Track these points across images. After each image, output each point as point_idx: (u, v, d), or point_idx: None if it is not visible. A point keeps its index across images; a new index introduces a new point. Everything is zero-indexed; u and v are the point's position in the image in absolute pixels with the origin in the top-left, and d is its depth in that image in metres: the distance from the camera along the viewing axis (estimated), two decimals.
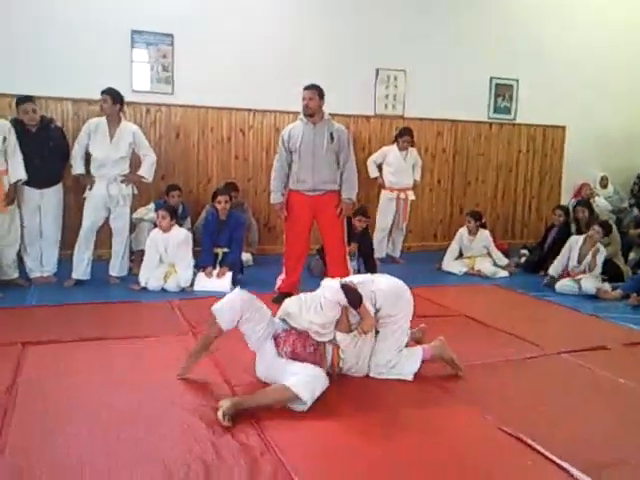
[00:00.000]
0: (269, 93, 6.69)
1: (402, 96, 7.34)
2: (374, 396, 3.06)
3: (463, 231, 6.49)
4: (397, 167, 6.71)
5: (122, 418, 2.68)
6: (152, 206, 5.84)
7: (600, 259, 5.46)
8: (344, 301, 2.99)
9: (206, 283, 5.16)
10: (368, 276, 3.42)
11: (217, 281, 5.17)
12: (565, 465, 2.38)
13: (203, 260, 5.38)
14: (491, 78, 7.74)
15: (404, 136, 6.69)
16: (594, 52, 8.15)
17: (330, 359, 3.12)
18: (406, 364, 3.24)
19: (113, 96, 5.17)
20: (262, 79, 6.63)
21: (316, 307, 2.99)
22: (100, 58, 6.05)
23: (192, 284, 5.17)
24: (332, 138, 4.69)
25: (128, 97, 6.01)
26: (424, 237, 7.73)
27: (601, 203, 8.02)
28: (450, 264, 6.39)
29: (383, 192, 6.81)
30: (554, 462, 2.41)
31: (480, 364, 3.55)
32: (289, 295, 4.01)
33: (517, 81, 7.85)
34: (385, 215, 6.74)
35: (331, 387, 3.06)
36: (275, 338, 3.08)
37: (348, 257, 5.76)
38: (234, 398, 2.74)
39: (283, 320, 3.14)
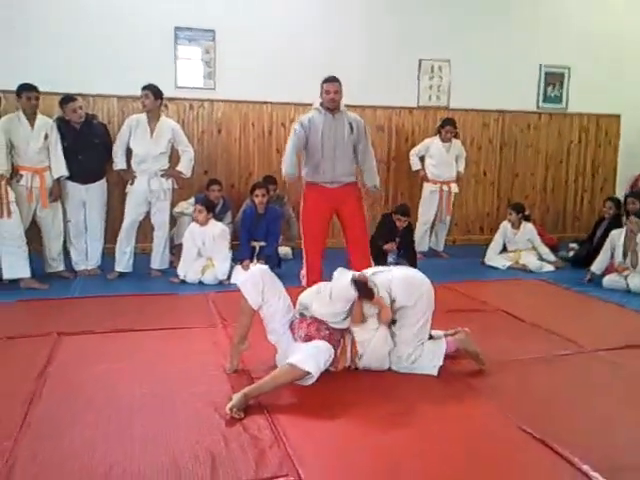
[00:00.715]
0: (310, 86, 6.54)
1: (447, 87, 7.19)
2: (393, 391, 3.01)
3: (506, 224, 6.31)
4: (439, 159, 6.58)
5: (139, 406, 2.74)
6: (193, 200, 5.92)
7: None
8: (354, 296, 2.96)
9: (242, 276, 5.19)
10: (385, 267, 3.38)
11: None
12: (585, 467, 2.28)
13: (241, 253, 5.44)
14: (540, 66, 7.49)
15: (447, 126, 6.55)
16: None
17: (349, 353, 3.10)
18: (428, 358, 3.18)
19: (154, 92, 5.27)
20: (303, 72, 6.58)
21: (324, 298, 2.99)
22: (144, 55, 6.17)
23: (229, 277, 5.23)
24: (352, 128, 4.65)
25: (172, 93, 6.18)
26: (470, 230, 7.57)
27: None
28: (493, 258, 6.23)
29: (425, 185, 6.69)
30: (573, 464, 2.32)
31: (510, 360, 3.45)
32: None
33: (568, 69, 7.56)
34: (427, 208, 6.63)
35: (350, 382, 3.06)
36: (290, 326, 3.10)
37: (391, 254, 5.76)
38: (245, 389, 2.75)
39: (301, 314, 3.13)
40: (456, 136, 6.69)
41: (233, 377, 3.09)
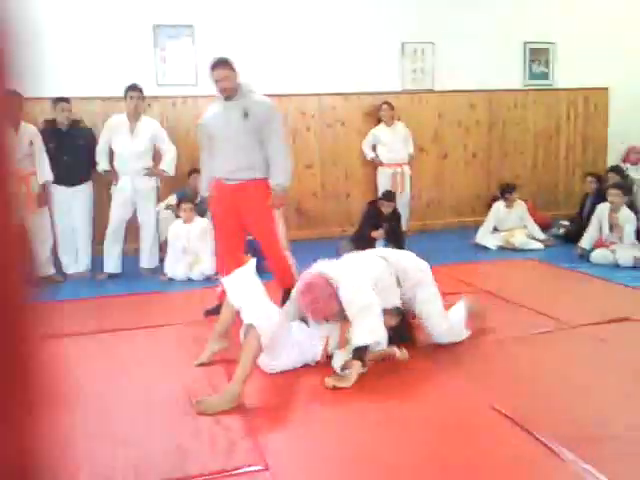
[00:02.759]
0: (293, 76, 6.67)
1: (431, 69, 7.15)
2: (367, 380, 3.02)
3: (499, 205, 6.29)
4: (390, 144, 6.71)
5: (115, 405, 2.78)
6: (174, 197, 5.92)
7: (629, 226, 5.16)
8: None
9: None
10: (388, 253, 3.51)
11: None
12: (551, 443, 2.30)
13: None
14: (524, 43, 7.43)
15: (382, 105, 6.72)
16: (634, 9, 7.70)
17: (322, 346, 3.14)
18: (458, 321, 3.47)
19: (141, 91, 5.33)
20: (285, 62, 6.61)
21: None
22: (124, 55, 6.17)
23: (217, 272, 5.25)
24: (246, 115, 3.85)
25: (154, 91, 6.18)
26: (461, 212, 7.54)
27: None
28: (484, 238, 6.21)
29: (380, 169, 6.81)
30: (541, 441, 2.33)
31: (489, 341, 3.47)
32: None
33: (553, 44, 7.50)
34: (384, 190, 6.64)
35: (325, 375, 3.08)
36: None
37: (378, 241, 5.73)
38: (232, 388, 2.71)
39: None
40: (398, 118, 6.83)
41: (209, 371, 3.12)
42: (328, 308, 3.07)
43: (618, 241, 5.21)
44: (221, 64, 3.85)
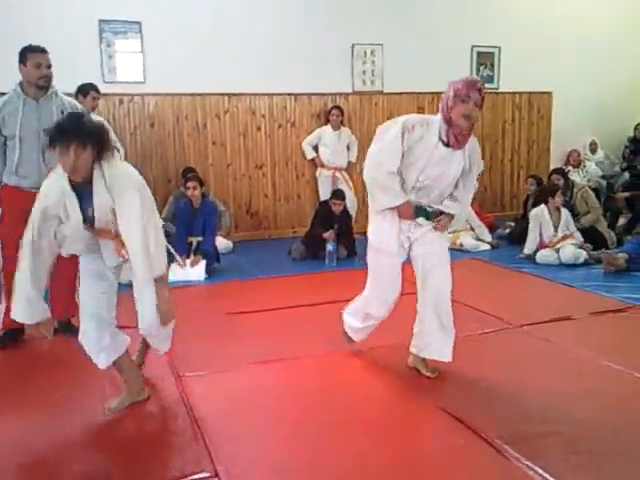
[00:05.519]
0: (243, 76, 6.61)
1: (380, 71, 7.22)
2: (318, 379, 3.05)
3: None
4: (332, 147, 6.79)
5: (54, 410, 2.71)
6: None
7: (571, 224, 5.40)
8: None
9: (180, 273, 5.15)
10: None
11: (191, 270, 5.19)
12: (497, 442, 2.36)
13: (177, 250, 5.35)
14: (472, 47, 7.59)
15: (332, 110, 6.79)
16: (577, 15, 7.98)
17: None
18: None
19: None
20: (235, 62, 6.55)
21: None
22: (69, 50, 5.94)
23: None
24: (63, 113, 3.48)
25: (100, 89, 6.03)
26: None
27: (591, 169, 7.89)
28: None
29: (320, 170, 6.90)
30: (484, 439, 2.39)
31: None
32: (21, 332, 3.50)
33: (499, 48, 7.68)
34: (325, 191, 6.73)
35: (273, 377, 3.06)
36: None
37: (329, 242, 5.69)
38: None
39: None
40: (342, 123, 6.88)
41: (159, 378, 3.07)
42: None
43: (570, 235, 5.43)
44: (44, 50, 3.56)
